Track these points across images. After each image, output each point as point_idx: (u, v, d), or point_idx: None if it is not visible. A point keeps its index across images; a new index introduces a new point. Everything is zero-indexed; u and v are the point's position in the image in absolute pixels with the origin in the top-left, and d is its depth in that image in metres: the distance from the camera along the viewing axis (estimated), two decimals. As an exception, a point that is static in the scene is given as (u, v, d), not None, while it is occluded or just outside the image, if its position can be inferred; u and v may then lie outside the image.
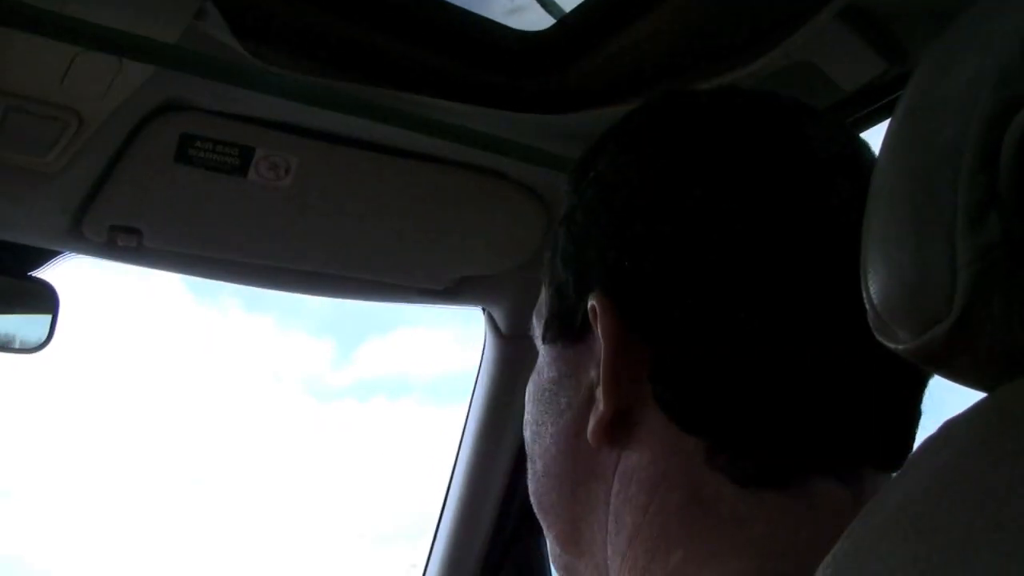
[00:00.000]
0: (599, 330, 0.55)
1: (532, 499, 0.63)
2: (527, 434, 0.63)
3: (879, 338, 0.41)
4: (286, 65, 0.92)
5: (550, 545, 0.64)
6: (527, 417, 0.63)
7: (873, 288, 0.40)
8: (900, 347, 0.40)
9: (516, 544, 1.54)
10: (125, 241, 1.11)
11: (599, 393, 0.55)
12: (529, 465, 0.63)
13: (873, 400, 0.53)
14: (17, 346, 1.19)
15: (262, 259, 1.20)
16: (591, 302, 0.55)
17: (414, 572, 1.63)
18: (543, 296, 0.63)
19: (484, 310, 1.42)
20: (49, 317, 1.18)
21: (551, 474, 0.60)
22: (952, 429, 0.38)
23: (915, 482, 0.37)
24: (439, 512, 1.55)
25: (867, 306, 0.41)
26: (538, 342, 0.64)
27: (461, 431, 1.52)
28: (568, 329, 0.59)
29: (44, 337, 1.18)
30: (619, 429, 0.55)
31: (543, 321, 0.62)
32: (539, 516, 0.63)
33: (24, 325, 1.20)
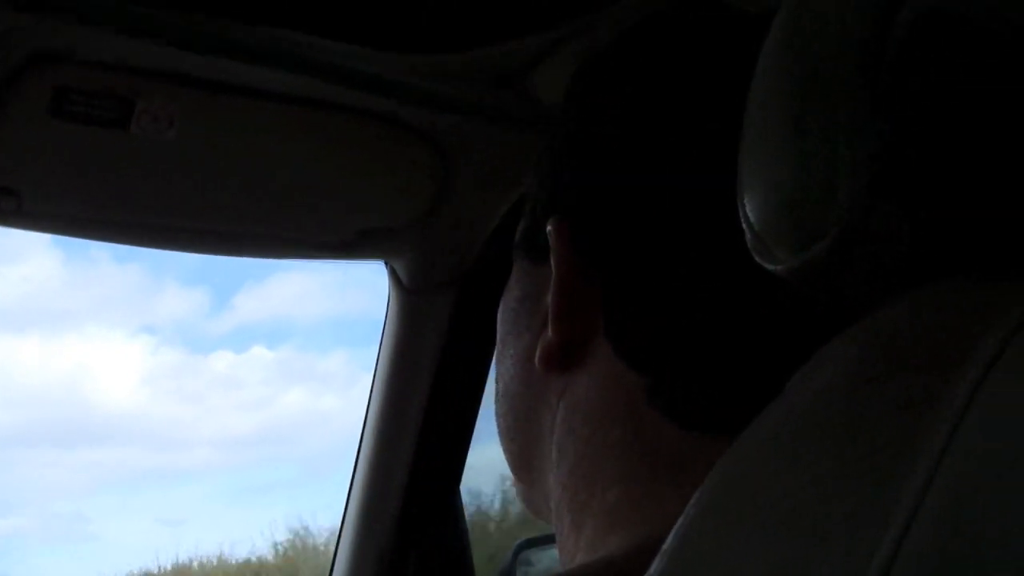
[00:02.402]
0: (552, 256, 0.54)
1: (496, 420, 0.63)
2: (496, 352, 0.63)
3: (757, 259, 0.40)
4: (157, 5, 0.88)
5: (514, 478, 0.64)
6: (498, 335, 0.63)
7: (749, 206, 0.39)
8: (778, 267, 0.39)
9: (431, 501, 1.53)
10: (3, 203, 1.06)
11: (549, 318, 0.54)
12: (496, 384, 0.63)
13: None
14: None
15: (150, 217, 1.16)
16: (549, 226, 0.55)
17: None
18: (527, 209, 0.62)
19: (386, 264, 1.39)
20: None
21: (508, 394, 0.61)
22: (827, 353, 0.36)
23: (786, 411, 0.35)
24: (351, 474, 1.53)
25: (744, 225, 0.40)
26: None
27: (369, 389, 1.50)
28: (534, 248, 0.58)
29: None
30: (567, 357, 0.54)
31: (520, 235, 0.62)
32: (500, 439, 0.63)
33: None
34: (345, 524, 1.54)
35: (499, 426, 0.63)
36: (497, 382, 0.63)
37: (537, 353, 0.55)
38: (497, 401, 0.63)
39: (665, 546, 0.35)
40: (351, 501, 1.53)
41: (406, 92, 1.04)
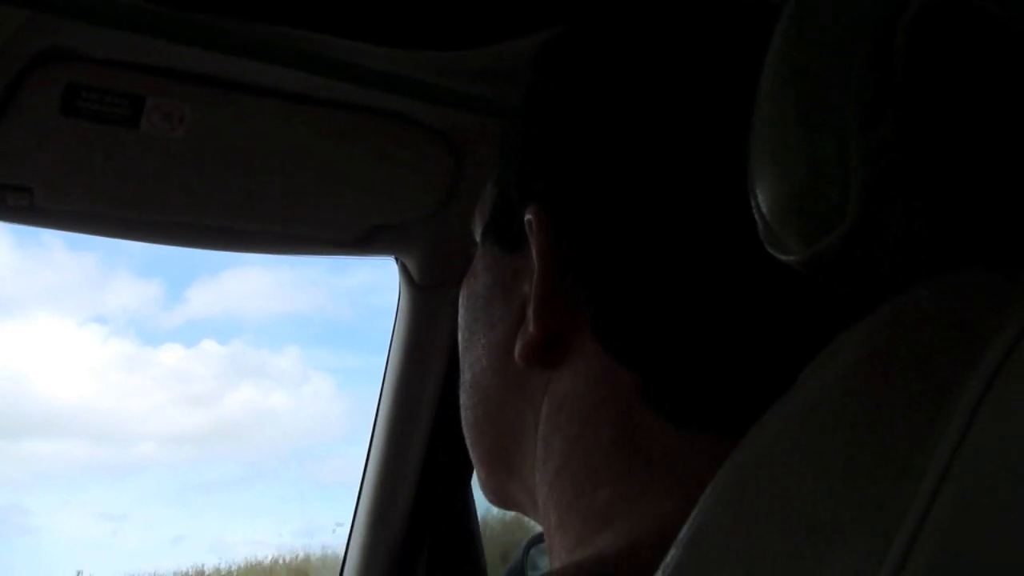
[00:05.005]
0: (534, 247, 0.52)
1: (462, 411, 0.60)
2: (460, 339, 0.60)
3: (770, 250, 0.39)
4: (168, 4, 0.88)
5: (476, 470, 0.61)
6: (460, 321, 0.60)
7: (761, 196, 0.39)
8: (791, 258, 0.38)
9: (442, 496, 1.53)
10: (15, 200, 1.06)
11: (530, 312, 0.52)
12: (461, 373, 0.61)
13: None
14: None
15: (162, 215, 1.16)
16: (528, 215, 0.52)
17: (340, 530, 1.62)
18: (488, 191, 0.59)
19: (397, 260, 1.39)
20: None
21: (479, 387, 0.58)
22: (842, 343, 0.36)
23: (800, 402, 0.35)
24: (363, 467, 1.54)
25: (756, 216, 0.39)
26: (477, 238, 0.60)
27: (381, 383, 1.50)
28: (507, 235, 0.56)
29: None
30: (550, 352, 0.52)
31: (484, 219, 0.59)
32: (465, 432, 0.60)
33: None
34: (356, 518, 1.54)
35: (467, 419, 0.60)
36: (464, 372, 0.60)
37: (517, 347, 0.52)
38: (464, 392, 0.60)
39: (680, 536, 0.35)
40: (362, 495, 1.53)
41: (417, 89, 1.04)
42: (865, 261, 0.37)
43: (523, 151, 0.55)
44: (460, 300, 0.61)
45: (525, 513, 0.60)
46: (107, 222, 1.17)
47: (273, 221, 1.22)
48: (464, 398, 0.60)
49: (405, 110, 1.12)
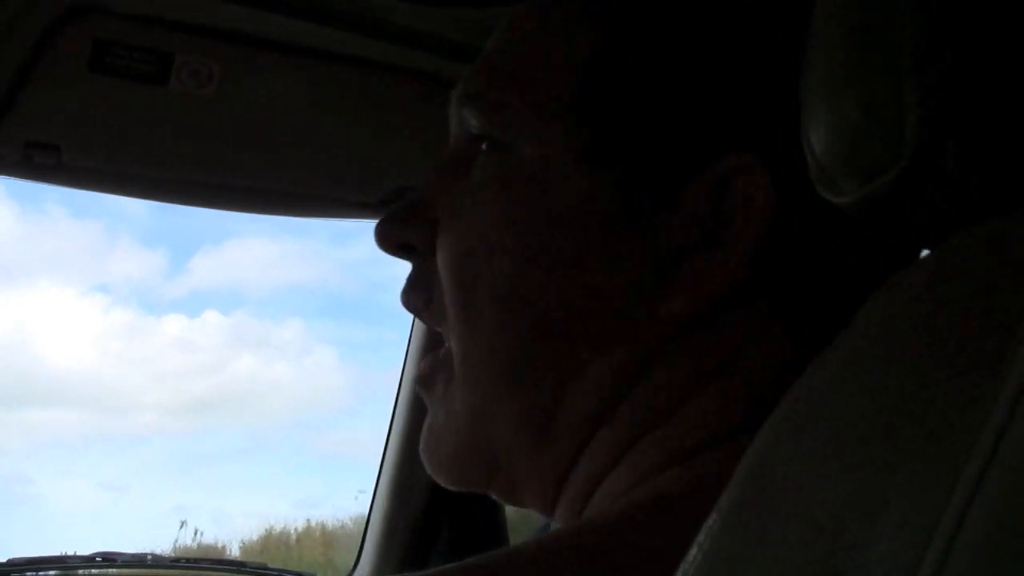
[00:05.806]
0: (748, 198, 0.48)
1: (488, 359, 0.53)
2: (493, 264, 0.53)
3: (821, 192, 0.39)
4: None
5: (491, 410, 0.54)
6: (489, 243, 0.53)
7: (814, 137, 0.38)
8: (843, 200, 0.38)
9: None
10: (42, 158, 1.06)
11: (735, 258, 0.49)
12: (490, 309, 0.53)
13: None
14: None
15: (189, 174, 1.16)
16: (729, 161, 0.49)
17: (362, 497, 1.62)
18: (560, 117, 0.52)
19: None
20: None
21: (552, 323, 0.52)
22: (898, 281, 0.35)
23: (859, 336, 0.35)
24: (386, 435, 1.53)
25: (808, 157, 0.38)
26: (543, 126, 0.53)
27: (405, 351, 1.49)
28: (648, 168, 0.51)
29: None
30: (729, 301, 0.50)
31: (573, 145, 0.52)
32: (493, 377, 0.53)
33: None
34: (379, 489, 1.54)
35: (513, 360, 0.52)
36: (507, 301, 0.52)
37: (683, 296, 0.49)
38: (507, 330, 0.52)
39: (737, 475, 0.34)
40: (384, 467, 1.52)
41: (446, 48, 1.03)
42: (917, 203, 0.36)
43: (672, 80, 0.51)
44: (491, 218, 0.54)
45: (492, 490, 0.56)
46: (133, 181, 1.16)
47: (300, 182, 1.22)
48: (505, 336, 0.53)
49: (432, 69, 1.11)
